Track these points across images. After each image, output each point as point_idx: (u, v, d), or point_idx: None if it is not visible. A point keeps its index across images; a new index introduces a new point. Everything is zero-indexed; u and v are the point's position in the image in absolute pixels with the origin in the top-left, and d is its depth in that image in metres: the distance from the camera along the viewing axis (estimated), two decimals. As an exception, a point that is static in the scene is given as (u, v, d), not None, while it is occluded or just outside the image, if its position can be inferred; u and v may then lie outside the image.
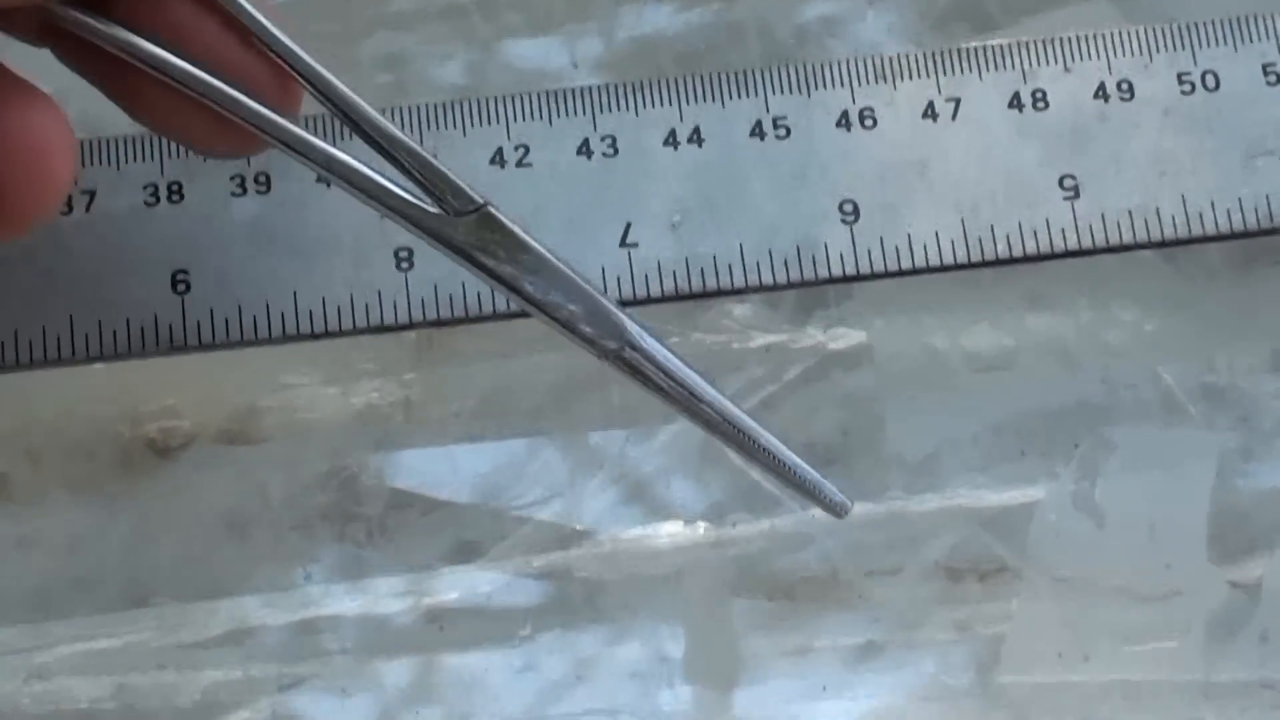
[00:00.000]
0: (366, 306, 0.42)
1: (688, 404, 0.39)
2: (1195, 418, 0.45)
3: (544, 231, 0.43)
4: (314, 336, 0.43)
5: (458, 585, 0.44)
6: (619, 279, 0.43)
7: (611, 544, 0.44)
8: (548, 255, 0.38)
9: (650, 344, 0.39)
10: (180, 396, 0.45)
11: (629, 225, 0.43)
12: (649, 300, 0.43)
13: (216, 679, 0.43)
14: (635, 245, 0.43)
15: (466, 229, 0.38)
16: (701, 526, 0.44)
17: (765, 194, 0.44)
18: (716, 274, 0.43)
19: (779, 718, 0.43)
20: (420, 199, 0.38)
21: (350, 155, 0.38)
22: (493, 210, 0.38)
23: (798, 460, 0.40)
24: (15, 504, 0.44)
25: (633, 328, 0.38)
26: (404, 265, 0.43)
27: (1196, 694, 0.43)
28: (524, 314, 0.41)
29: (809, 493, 0.41)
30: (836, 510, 0.41)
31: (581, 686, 0.43)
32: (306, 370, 0.45)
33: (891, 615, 0.44)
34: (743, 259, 0.43)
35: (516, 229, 0.38)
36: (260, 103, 0.37)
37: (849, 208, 0.44)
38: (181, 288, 0.42)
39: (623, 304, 0.43)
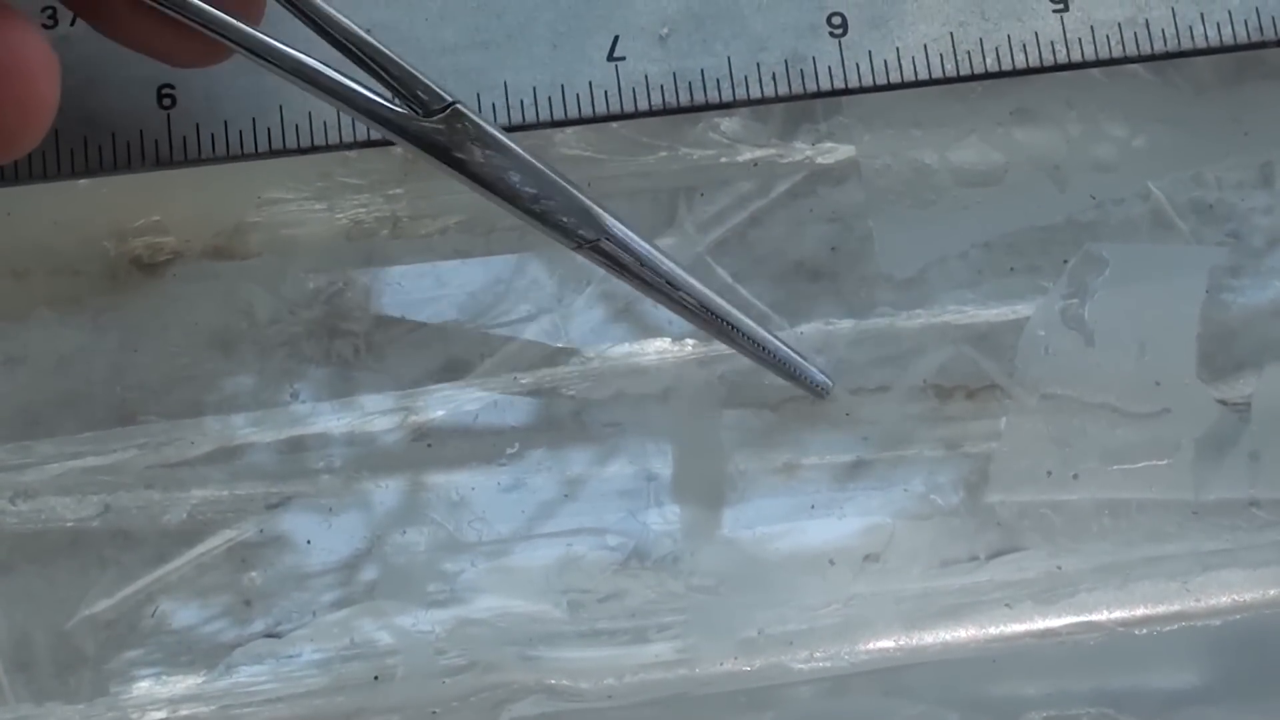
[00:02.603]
0: (353, 121, 0.45)
1: (665, 291, 0.42)
2: (1184, 233, 0.47)
3: (531, 45, 0.46)
4: (300, 151, 0.45)
5: (445, 403, 0.45)
6: (606, 93, 0.45)
7: (599, 361, 0.46)
8: (520, 150, 0.41)
9: (625, 233, 0.41)
10: (166, 212, 0.46)
11: (616, 38, 0.46)
12: (636, 114, 0.46)
13: (203, 498, 0.44)
14: (623, 59, 0.46)
15: (438, 127, 0.41)
16: (689, 343, 0.46)
17: (753, 7, 0.46)
18: (704, 88, 0.46)
19: (767, 536, 0.44)
20: (390, 100, 0.40)
21: (318, 60, 0.40)
22: (462, 108, 0.40)
23: (778, 343, 0.43)
24: (1, 322, 0.45)
25: (608, 218, 0.41)
26: None
27: (1185, 513, 0.45)
28: (512, 129, 0.44)
29: (790, 374, 0.44)
30: (817, 391, 0.44)
31: (569, 505, 0.45)
32: (293, 186, 0.46)
33: (880, 433, 0.45)
34: (731, 73, 0.46)
35: (487, 125, 0.41)
36: (225, 11, 0.39)
37: (837, 21, 0.46)
38: (167, 102, 0.45)
39: (609, 120, 0.46)
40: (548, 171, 0.41)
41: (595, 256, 0.42)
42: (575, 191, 0.41)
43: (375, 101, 0.40)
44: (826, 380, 0.44)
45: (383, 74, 0.40)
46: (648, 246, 0.42)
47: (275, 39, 0.40)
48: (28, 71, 0.37)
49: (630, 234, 0.42)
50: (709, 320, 0.43)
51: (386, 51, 0.40)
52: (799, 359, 0.44)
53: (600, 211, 0.41)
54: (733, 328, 0.43)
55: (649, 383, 0.46)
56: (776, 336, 0.44)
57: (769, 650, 0.44)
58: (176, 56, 0.42)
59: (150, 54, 0.42)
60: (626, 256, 0.42)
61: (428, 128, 0.41)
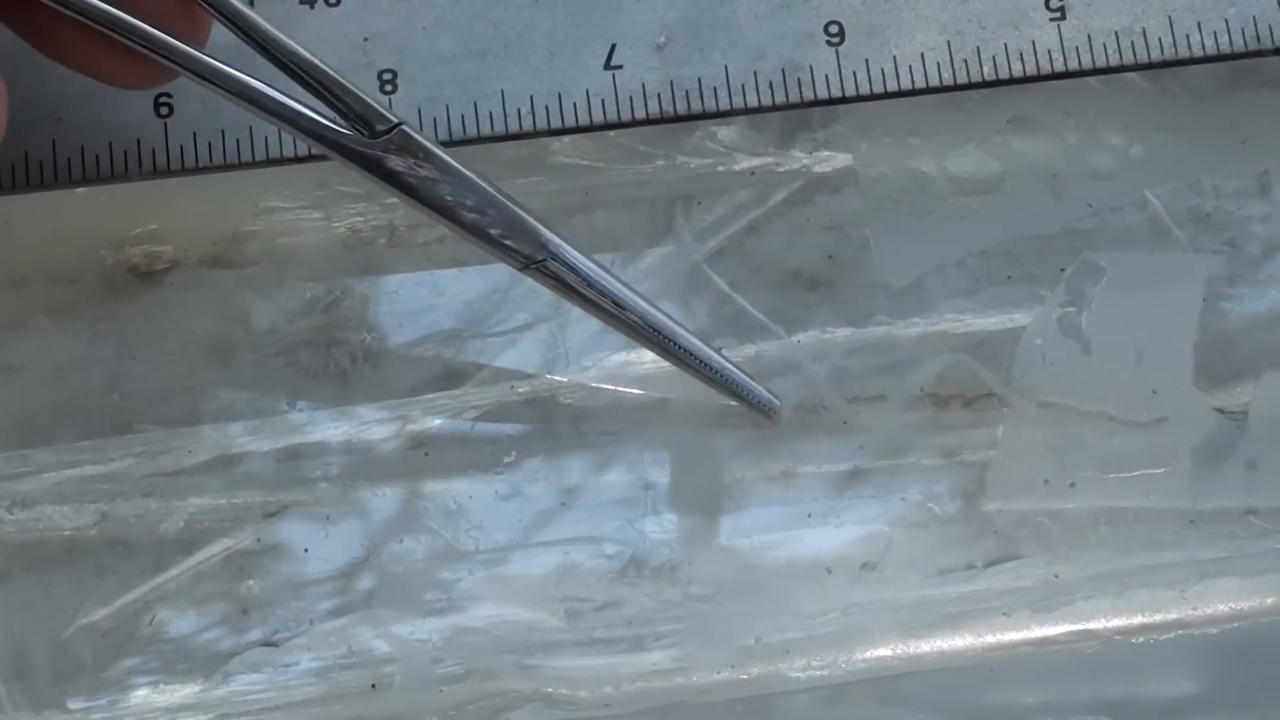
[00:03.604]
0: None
1: (612, 311, 0.42)
2: (1182, 241, 0.47)
3: (528, 54, 0.46)
4: (297, 160, 0.45)
5: (442, 412, 0.45)
6: (603, 102, 0.46)
7: (596, 370, 0.46)
8: (466, 171, 0.41)
9: (570, 254, 0.42)
10: (163, 221, 0.46)
11: (613, 47, 0.46)
12: (634, 123, 0.46)
13: (201, 506, 0.44)
14: (620, 68, 0.46)
15: (383, 148, 0.41)
16: None
17: (750, 16, 0.46)
18: (701, 96, 0.46)
19: (764, 544, 0.45)
20: (335, 121, 0.41)
21: (263, 81, 0.40)
22: (408, 129, 0.41)
23: (725, 362, 0.43)
24: (-2, 330, 0.45)
25: (553, 238, 0.41)
26: (388, 88, 0.45)
27: (1183, 521, 0.45)
28: (509, 138, 0.44)
29: (737, 394, 0.44)
30: (765, 411, 0.44)
31: (566, 513, 0.45)
32: (290, 195, 0.46)
33: (877, 442, 0.45)
34: (728, 81, 0.46)
35: (433, 146, 0.41)
36: (169, 33, 0.40)
37: (834, 29, 0.46)
38: (164, 111, 0.45)
39: (606, 128, 0.46)
40: (493, 192, 0.42)
41: (541, 277, 0.42)
42: (521, 212, 0.42)
43: (320, 123, 0.41)
44: (774, 399, 0.44)
45: (328, 95, 0.41)
46: (594, 266, 0.42)
47: (219, 61, 0.40)
48: None
49: (576, 254, 0.42)
50: (656, 340, 0.43)
51: (332, 73, 0.41)
52: (746, 379, 0.44)
53: (546, 232, 0.42)
54: (680, 348, 0.43)
55: (646, 391, 0.46)
56: (724, 356, 0.44)
57: (766, 659, 0.44)
58: (120, 78, 0.42)
59: (93, 75, 0.42)
60: (573, 276, 0.42)
61: (372, 148, 0.41)
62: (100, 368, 0.45)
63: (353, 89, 0.41)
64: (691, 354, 0.43)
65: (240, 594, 0.44)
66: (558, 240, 0.42)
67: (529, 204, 0.44)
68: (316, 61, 0.41)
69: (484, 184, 0.41)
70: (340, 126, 0.41)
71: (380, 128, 0.41)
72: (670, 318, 0.43)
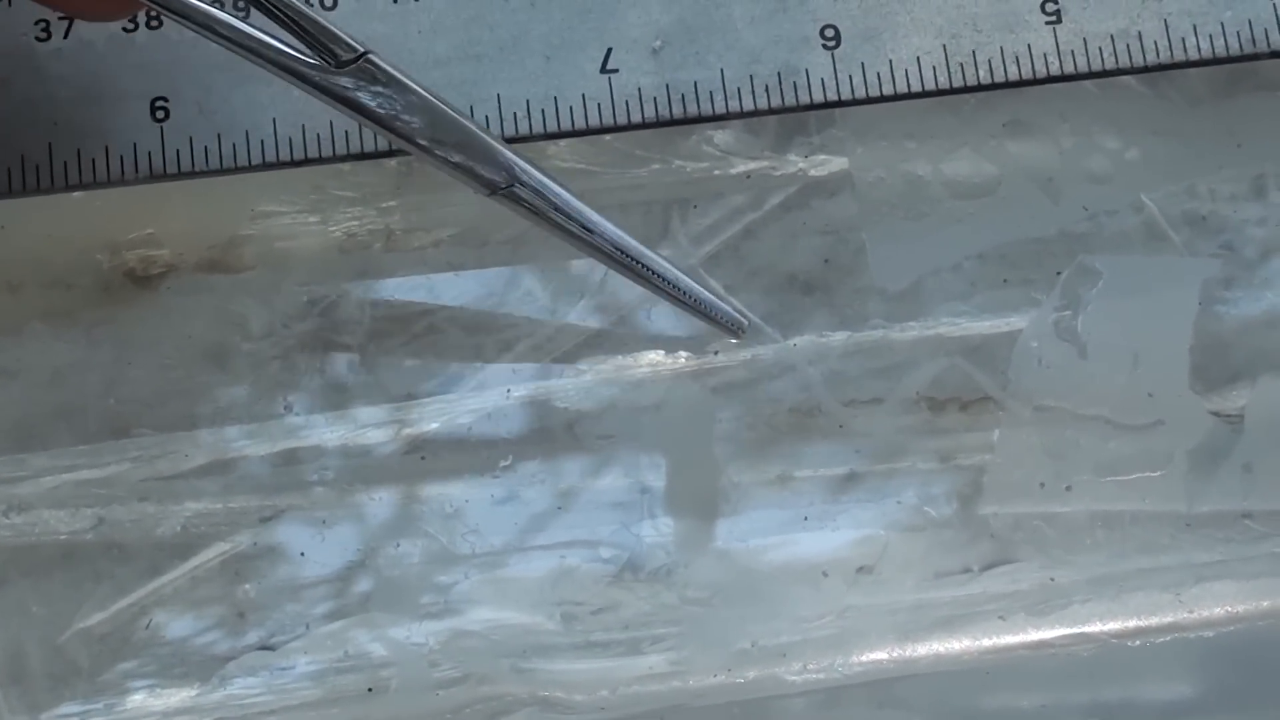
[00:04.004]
0: (346, 133, 0.45)
1: (580, 235, 0.42)
2: (1178, 245, 0.47)
3: (524, 58, 0.46)
4: (294, 164, 0.46)
5: (439, 415, 0.45)
6: (599, 106, 0.46)
7: (592, 374, 0.46)
8: (431, 97, 0.41)
9: (537, 177, 0.42)
10: (159, 225, 0.46)
11: (609, 51, 0.46)
12: (629, 127, 0.46)
13: (197, 510, 0.45)
14: (616, 71, 0.46)
15: (349, 78, 0.41)
16: (683, 356, 0.46)
17: (746, 19, 0.47)
18: (697, 100, 0.46)
19: (760, 548, 0.45)
20: (301, 52, 0.41)
21: (228, 12, 0.40)
22: (374, 57, 0.41)
23: (692, 283, 0.44)
24: (-6, 335, 0.45)
25: (519, 163, 0.42)
26: None
27: (1179, 524, 0.45)
28: (505, 141, 0.44)
29: (706, 315, 0.44)
30: (733, 331, 0.45)
31: (562, 517, 0.45)
32: (286, 199, 0.46)
33: (873, 445, 0.46)
34: (724, 85, 0.46)
35: (399, 73, 0.41)
36: None
37: (830, 33, 0.46)
38: (160, 115, 0.45)
39: (602, 132, 0.46)
40: (461, 119, 0.42)
41: (509, 202, 0.42)
42: (488, 139, 0.42)
43: (286, 53, 0.41)
44: (741, 319, 0.45)
45: (294, 25, 0.41)
46: (562, 191, 0.42)
47: None
48: None
49: (544, 179, 0.42)
50: (624, 262, 0.43)
51: (296, 3, 0.41)
52: (714, 299, 0.44)
53: (514, 157, 0.42)
54: (649, 270, 0.43)
55: (642, 395, 0.46)
56: (691, 276, 0.44)
57: (762, 662, 0.44)
58: (84, 8, 0.42)
59: (56, 6, 0.42)
60: (540, 201, 0.42)
61: (339, 77, 0.41)
62: (96, 372, 0.45)
63: (317, 18, 0.41)
64: (661, 275, 0.44)
65: (237, 598, 0.44)
66: (525, 165, 0.42)
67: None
68: None
69: (451, 111, 0.41)
70: (306, 56, 0.41)
71: (346, 57, 0.41)
72: (638, 242, 0.43)
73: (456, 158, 0.42)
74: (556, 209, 0.42)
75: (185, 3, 0.40)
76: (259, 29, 0.40)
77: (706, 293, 0.44)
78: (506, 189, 0.42)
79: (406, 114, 0.41)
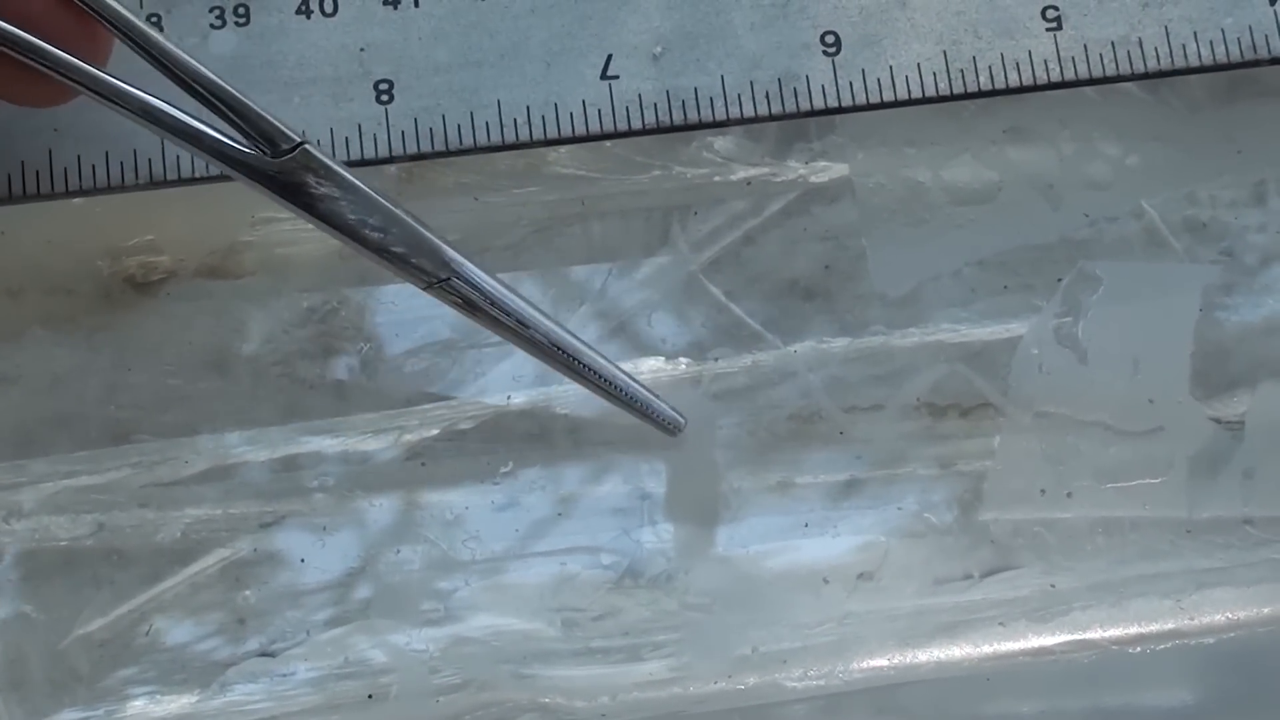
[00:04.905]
0: (346, 140, 0.45)
1: (516, 330, 0.42)
2: (1178, 251, 0.47)
3: (524, 64, 0.46)
4: None
5: (439, 422, 0.45)
6: (600, 112, 0.46)
7: None
8: (368, 190, 0.41)
9: (473, 272, 0.42)
10: (160, 231, 0.46)
11: (610, 57, 0.46)
12: (630, 133, 0.46)
13: (197, 516, 0.45)
14: (616, 78, 0.46)
15: (285, 167, 0.41)
16: (683, 362, 0.46)
17: (746, 26, 0.47)
18: (698, 107, 0.46)
19: (761, 554, 0.45)
20: (238, 141, 0.41)
21: (165, 101, 0.40)
22: (310, 148, 0.41)
23: (629, 381, 0.44)
24: (-6, 341, 0.45)
25: (456, 256, 0.42)
26: (384, 98, 0.45)
27: (1179, 531, 0.45)
28: (506, 148, 0.45)
29: (642, 412, 0.44)
30: (669, 430, 0.45)
31: (563, 523, 0.45)
32: None
33: (873, 451, 0.46)
34: (724, 91, 0.46)
35: (335, 165, 0.41)
36: (69, 52, 0.40)
37: (830, 39, 0.46)
38: (161, 121, 0.45)
39: (603, 138, 0.46)
40: (396, 211, 0.42)
41: (445, 295, 0.42)
42: (424, 231, 0.42)
43: (223, 142, 0.41)
44: (678, 418, 0.45)
45: (230, 114, 0.41)
46: (496, 284, 0.42)
47: (120, 80, 0.41)
48: None
49: (479, 272, 0.42)
50: (560, 359, 0.43)
51: (234, 92, 0.41)
52: (650, 396, 0.44)
53: (449, 250, 0.42)
54: (585, 366, 0.43)
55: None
56: (627, 374, 0.44)
57: (763, 668, 0.44)
58: (19, 96, 0.42)
59: None
60: (476, 294, 0.42)
61: (275, 168, 0.41)
62: (96, 378, 0.46)
63: (255, 108, 0.41)
64: (596, 372, 0.44)
65: (237, 604, 0.44)
66: (460, 259, 0.42)
67: (525, 214, 0.45)
68: (219, 81, 0.41)
69: (386, 203, 0.42)
70: (243, 146, 0.41)
71: (283, 146, 0.41)
72: (574, 335, 0.43)
73: (393, 249, 0.42)
74: (492, 303, 0.42)
75: (123, 91, 0.40)
76: (196, 117, 0.41)
77: (643, 390, 0.44)
78: (443, 281, 0.42)
79: (341, 204, 0.41)
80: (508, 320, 0.43)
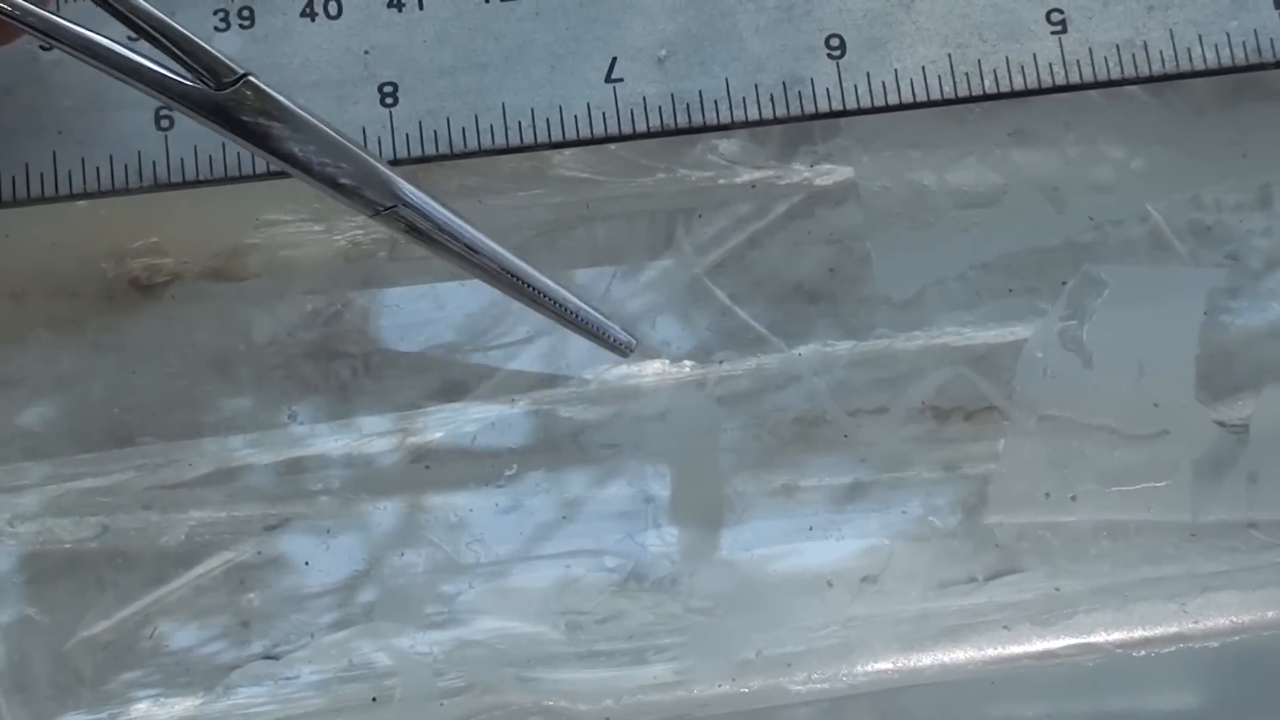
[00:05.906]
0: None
1: (465, 255, 0.43)
2: (1183, 255, 0.47)
3: (529, 67, 0.46)
4: None
5: (443, 425, 0.46)
6: (604, 115, 0.46)
7: (597, 383, 0.46)
8: (312, 119, 0.41)
9: (421, 198, 0.42)
10: (164, 234, 0.46)
11: (614, 60, 0.46)
12: (635, 136, 0.46)
13: (201, 519, 0.45)
14: (621, 81, 0.46)
15: (230, 100, 0.41)
16: (687, 365, 0.46)
17: (751, 29, 0.47)
18: (702, 110, 0.46)
19: (765, 557, 0.45)
20: (181, 75, 0.41)
21: (107, 36, 0.40)
22: (254, 79, 0.41)
23: (580, 303, 0.44)
24: (-1, 343, 0.45)
25: (403, 184, 0.42)
26: (388, 101, 0.46)
27: (1184, 534, 0.45)
28: (510, 150, 0.45)
29: (594, 334, 0.44)
30: (621, 350, 0.45)
31: (567, 526, 0.45)
32: (291, 208, 0.47)
33: (878, 455, 0.46)
34: (729, 94, 0.46)
35: (280, 96, 0.41)
36: None
37: (835, 42, 0.46)
38: (164, 124, 0.45)
39: (607, 141, 0.46)
40: (341, 140, 0.42)
41: (393, 223, 0.42)
42: (370, 159, 0.42)
43: (165, 75, 0.41)
44: (631, 340, 0.45)
45: (173, 48, 0.41)
46: (445, 211, 0.42)
47: (63, 17, 0.40)
48: None
49: (427, 199, 0.42)
50: (511, 283, 0.43)
51: (175, 25, 0.41)
52: (601, 318, 0.45)
53: (395, 178, 0.42)
54: (534, 289, 0.43)
55: (647, 404, 0.46)
56: (577, 297, 0.44)
57: (767, 672, 0.44)
58: None
59: None
60: (424, 222, 0.42)
61: (219, 99, 0.41)
62: (100, 380, 0.46)
63: (195, 40, 0.41)
64: (548, 296, 0.44)
65: (241, 607, 0.44)
66: (409, 186, 0.42)
67: (530, 217, 0.45)
68: (159, 14, 0.41)
69: (333, 133, 0.42)
70: (186, 79, 0.41)
71: (227, 79, 0.41)
72: (523, 261, 0.43)
73: (339, 179, 0.42)
74: (440, 229, 0.42)
75: (65, 28, 0.40)
76: (139, 53, 0.41)
77: (594, 313, 0.44)
78: (390, 209, 0.42)
79: (285, 133, 0.41)
80: (456, 246, 0.43)
